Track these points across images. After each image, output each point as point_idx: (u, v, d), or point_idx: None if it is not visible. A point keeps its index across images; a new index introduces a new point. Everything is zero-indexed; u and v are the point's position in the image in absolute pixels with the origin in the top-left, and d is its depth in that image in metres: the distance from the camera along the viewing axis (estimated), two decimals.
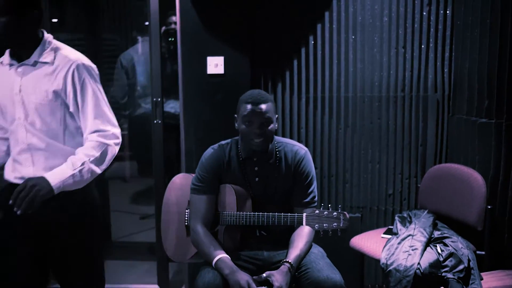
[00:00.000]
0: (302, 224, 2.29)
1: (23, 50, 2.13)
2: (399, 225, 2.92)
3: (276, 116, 2.43)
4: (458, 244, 2.71)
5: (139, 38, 4.70)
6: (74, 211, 2.16)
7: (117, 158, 5.58)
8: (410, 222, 2.92)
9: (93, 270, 2.28)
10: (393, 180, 3.37)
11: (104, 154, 2.12)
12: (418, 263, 2.59)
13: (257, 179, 2.47)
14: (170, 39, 4.11)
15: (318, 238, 2.32)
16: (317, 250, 2.46)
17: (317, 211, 2.27)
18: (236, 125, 2.44)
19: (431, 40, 3.25)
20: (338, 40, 3.28)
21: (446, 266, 2.61)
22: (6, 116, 2.19)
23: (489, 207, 2.78)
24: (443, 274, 2.59)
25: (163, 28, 4.62)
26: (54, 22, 4.83)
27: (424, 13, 3.23)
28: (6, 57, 2.18)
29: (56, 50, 2.14)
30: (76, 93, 2.10)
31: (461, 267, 2.60)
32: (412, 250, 2.68)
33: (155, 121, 3.34)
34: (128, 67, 4.48)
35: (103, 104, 2.15)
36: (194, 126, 3.24)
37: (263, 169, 2.46)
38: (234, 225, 2.42)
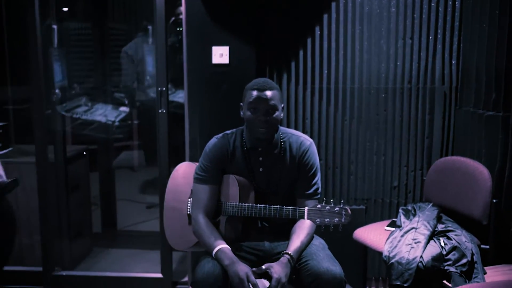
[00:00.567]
0: (303, 218, 2.28)
1: None
2: (402, 218, 2.90)
3: (282, 105, 2.42)
4: (461, 237, 2.69)
5: (150, 28, 4.70)
6: None
7: (126, 148, 5.66)
8: (414, 215, 2.90)
9: None
10: (398, 173, 3.35)
11: None
12: (421, 256, 2.58)
13: (261, 169, 2.46)
14: (178, 29, 4.10)
15: (319, 229, 2.31)
16: (318, 242, 2.45)
17: (319, 206, 2.26)
18: (241, 113, 2.43)
19: (439, 31, 3.21)
20: (345, 30, 3.25)
21: (449, 259, 2.59)
22: None
23: (494, 201, 2.76)
24: (446, 267, 2.58)
25: (172, 18, 4.61)
26: (65, 11, 4.85)
27: (432, 4, 3.20)
28: None
29: None
30: None
31: (464, 261, 2.58)
32: (415, 243, 2.66)
33: (160, 111, 3.33)
34: (134, 56, 4.48)
35: None
36: (198, 115, 3.23)
37: (267, 160, 2.45)
38: (236, 215, 2.41)
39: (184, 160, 3.38)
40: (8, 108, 4.24)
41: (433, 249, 2.63)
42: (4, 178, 2.53)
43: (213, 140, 2.51)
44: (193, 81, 3.24)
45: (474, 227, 2.84)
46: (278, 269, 2.21)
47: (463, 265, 2.57)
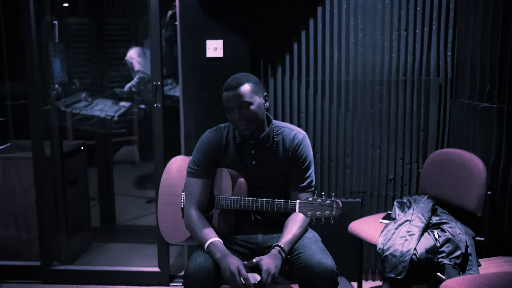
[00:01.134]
0: (295, 211, 2.28)
1: None
2: (397, 210, 2.90)
3: (265, 94, 2.39)
4: (456, 230, 2.69)
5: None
6: None
7: (126, 143, 5.67)
8: (409, 207, 2.89)
9: None
10: (394, 165, 3.34)
11: None
12: (415, 249, 2.58)
13: (253, 162, 2.45)
14: (176, 23, 4.09)
15: (318, 223, 2.31)
16: (311, 234, 2.45)
17: (310, 199, 2.25)
18: None
19: (434, 23, 3.19)
20: (339, 23, 3.23)
21: (442, 252, 2.59)
22: None
23: (489, 192, 2.76)
24: (440, 259, 2.57)
25: (169, 12, 4.61)
26: (65, 6, 4.86)
27: None
28: None
29: None
30: None
31: (458, 253, 2.58)
32: (409, 235, 2.66)
33: (156, 105, 3.33)
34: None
35: None
36: (193, 109, 3.23)
37: (260, 153, 2.45)
38: (229, 209, 2.41)
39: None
40: (7, 103, 4.26)
41: (427, 241, 2.62)
42: None
43: (206, 134, 2.50)
44: (187, 75, 3.24)
45: (469, 219, 2.84)
46: (267, 261, 2.21)
47: (457, 257, 2.57)
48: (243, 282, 2.16)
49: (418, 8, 3.18)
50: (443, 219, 2.78)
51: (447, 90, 3.24)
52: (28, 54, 3.35)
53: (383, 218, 3.00)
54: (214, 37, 3.15)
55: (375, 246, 2.76)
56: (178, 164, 2.71)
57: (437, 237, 2.64)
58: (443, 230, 2.68)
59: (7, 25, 4.26)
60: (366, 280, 3.45)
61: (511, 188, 2.76)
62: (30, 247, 3.62)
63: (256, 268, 2.23)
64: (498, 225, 2.82)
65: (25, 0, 3.30)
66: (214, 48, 3.16)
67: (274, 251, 2.26)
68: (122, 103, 5.03)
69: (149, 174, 5.34)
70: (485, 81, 2.87)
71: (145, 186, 5.34)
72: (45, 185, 3.49)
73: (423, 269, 2.59)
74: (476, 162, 2.80)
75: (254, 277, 2.20)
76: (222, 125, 2.52)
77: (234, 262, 2.20)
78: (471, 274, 2.52)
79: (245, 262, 2.24)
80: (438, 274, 2.56)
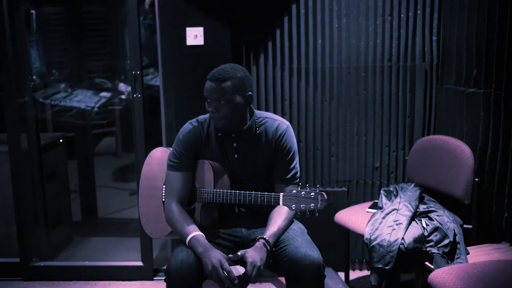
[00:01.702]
0: (278, 204, 2.22)
1: None
2: (384, 199, 2.85)
3: (249, 93, 2.30)
4: (444, 218, 2.65)
5: None
6: None
7: (107, 134, 5.59)
8: (396, 196, 2.85)
9: None
10: (380, 153, 3.29)
11: None
12: (402, 238, 2.54)
13: (236, 155, 2.39)
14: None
15: (298, 215, 2.25)
16: (296, 226, 2.39)
17: (294, 191, 2.19)
18: None
19: (418, 7, 3.13)
20: (322, 8, 3.16)
21: (430, 241, 2.55)
22: None
23: (476, 179, 2.72)
24: (428, 249, 2.54)
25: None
26: None
27: None
28: None
29: None
30: None
31: (446, 241, 2.54)
32: (397, 224, 2.62)
33: (135, 95, 3.24)
34: None
35: None
36: (174, 99, 3.16)
37: (242, 145, 2.38)
38: (211, 202, 2.34)
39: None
40: None
41: (415, 230, 2.58)
42: None
43: (186, 126, 2.43)
44: (167, 64, 3.16)
45: (456, 207, 2.81)
46: (252, 253, 2.15)
47: (445, 245, 2.53)
48: (226, 275, 2.09)
49: None
50: (430, 207, 2.74)
51: (433, 75, 3.19)
52: (1, 45, 3.23)
53: (370, 207, 2.95)
54: (194, 24, 3.07)
55: (362, 236, 2.71)
56: (159, 156, 2.63)
57: (425, 225, 2.60)
58: (430, 219, 2.64)
59: None
60: (353, 270, 3.42)
61: (499, 174, 2.73)
62: (8, 243, 3.53)
63: (241, 261, 2.17)
64: (486, 213, 2.79)
65: None
66: (195, 36, 3.08)
67: (259, 243, 2.21)
68: (103, 94, 4.95)
69: (131, 165, 5.26)
70: (471, 66, 2.83)
71: (127, 177, 5.27)
72: (22, 179, 3.39)
73: (411, 258, 2.55)
74: (463, 149, 2.76)
75: (238, 270, 2.14)
76: (202, 116, 2.44)
77: (216, 256, 2.14)
78: (459, 262, 2.49)
79: (230, 255, 2.18)
80: (427, 263, 2.52)
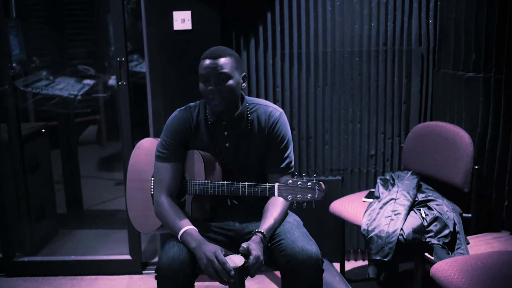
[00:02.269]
0: (274, 195, 2.12)
1: None
2: (381, 188, 2.77)
3: (244, 74, 2.23)
4: (443, 207, 2.57)
5: None
6: None
7: (92, 122, 5.46)
8: (393, 185, 2.77)
9: None
10: (375, 140, 3.21)
11: None
12: (401, 229, 2.45)
13: (227, 144, 2.28)
14: None
15: (294, 207, 2.15)
16: (292, 219, 2.29)
17: (290, 181, 2.09)
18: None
19: None
20: None
21: (430, 231, 2.48)
22: None
23: (476, 167, 2.65)
24: (428, 239, 2.46)
25: None
26: None
27: None
28: None
29: None
30: None
31: (446, 231, 2.47)
32: (395, 215, 2.53)
33: (120, 83, 3.11)
34: None
35: None
36: (161, 86, 3.04)
37: (233, 134, 2.27)
38: (202, 194, 2.24)
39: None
40: None
41: (414, 220, 2.50)
42: None
43: (175, 114, 2.31)
44: (153, 50, 3.04)
45: (455, 195, 2.74)
46: (254, 246, 2.05)
47: (445, 236, 2.46)
48: (221, 267, 1.99)
49: None
50: (429, 196, 2.66)
51: (429, 60, 3.11)
52: None
53: (366, 197, 2.86)
54: (182, 8, 2.94)
55: (356, 225, 2.65)
56: (146, 147, 2.51)
57: (424, 215, 2.52)
58: (430, 208, 2.56)
59: None
60: (348, 260, 3.34)
61: (499, 161, 2.66)
62: None
63: (241, 254, 2.06)
64: (486, 201, 2.72)
65: None
66: (182, 20, 2.95)
67: (256, 238, 2.10)
68: (86, 81, 4.83)
69: (117, 154, 5.14)
70: (470, 50, 2.75)
71: (113, 167, 5.14)
72: (3, 172, 3.28)
73: (410, 250, 2.47)
74: (462, 135, 2.69)
75: (234, 261, 2.02)
76: (191, 104, 2.33)
77: (210, 249, 2.04)
78: (460, 253, 2.42)
79: (241, 249, 2.04)
80: (426, 254, 2.44)
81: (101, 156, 5.42)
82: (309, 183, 2.07)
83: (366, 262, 3.31)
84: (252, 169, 2.31)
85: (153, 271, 2.15)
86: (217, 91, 2.13)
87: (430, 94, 3.14)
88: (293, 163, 2.33)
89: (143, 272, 3.30)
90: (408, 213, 2.54)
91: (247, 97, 2.30)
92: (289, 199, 2.10)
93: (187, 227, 2.15)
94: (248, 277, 2.07)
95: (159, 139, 2.34)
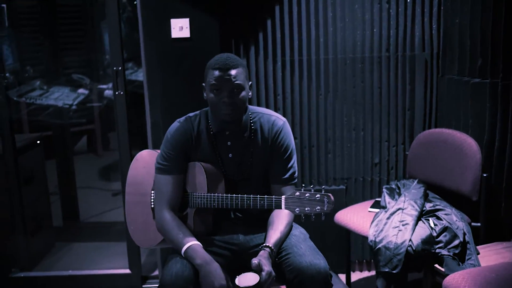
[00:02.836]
0: (280, 208, 2.04)
1: None
2: (387, 198, 2.70)
3: (250, 83, 2.19)
4: (452, 216, 2.51)
5: None
6: None
7: (87, 132, 5.40)
8: (399, 194, 2.71)
9: None
10: (379, 148, 3.15)
11: None
12: (410, 240, 2.38)
13: (230, 155, 2.22)
14: (135, 2, 3.81)
15: (302, 220, 2.08)
16: (298, 231, 2.23)
17: (297, 193, 2.02)
18: (204, 95, 2.17)
19: None
20: None
21: (440, 241, 2.41)
22: None
23: (484, 175, 2.58)
24: (437, 250, 2.39)
25: None
26: None
27: None
28: None
29: None
30: None
31: (456, 242, 2.40)
32: (403, 225, 2.47)
33: (117, 93, 3.04)
34: None
35: None
36: (159, 96, 2.97)
37: (236, 144, 2.21)
38: (205, 207, 2.17)
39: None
40: None
41: (422, 231, 2.44)
42: None
43: (175, 125, 2.25)
44: (151, 59, 2.97)
45: (463, 204, 2.68)
46: (265, 262, 1.99)
47: (456, 246, 2.39)
48: None
49: None
50: (437, 205, 2.60)
51: (433, 65, 3.05)
52: None
53: (372, 207, 2.80)
54: (180, 15, 2.88)
55: (363, 236, 2.57)
56: (145, 159, 2.44)
57: (432, 225, 2.46)
58: (438, 218, 2.50)
59: None
60: (353, 271, 3.26)
61: (508, 169, 2.60)
62: None
63: (249, 269, 1.99)
64: (495, 209, 2.66)
65: None
66: (180, 28, 2.88)
67: (264, 253, 2.03)
68: (81, 90, 4.77)
69: (113, 164, 5.07)
70: (475, 54, 2.69)
71: (110, 177, 5.07)
72: None
73: (420, 261, 2.41)
74: (469, 142, 2.63)
75: (248, 281, 1.95)
76: (191, 114, 2.27)
77: (217, 279, 1.97)
78: (471, 264, 2.35)
79: (254, 262, 1.96)
80: (436, 266, 2.37)
81: (97, 166, 5.35)
82: (318, 195, 2.01)
83: (372, 273, 3.24)
84: (256, 180, 2.25)
85: (153, 285, 2.09)
86: (230, 104, 2.07)
87: (434, 100, 3.09)
88: (296, 173, 2.27)
89: (143, 286, 3.21)
90: (416, 223, 2.47)
91: (249, 106, 2.24)
92: (297, 212, 2.03)
93: (191, 242, 2.08)
94: None
95: (159, 151, 2.27)
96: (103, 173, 5.21)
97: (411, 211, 2.52)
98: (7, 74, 4.00)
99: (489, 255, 2.43)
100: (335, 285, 2.83)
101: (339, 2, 2.99)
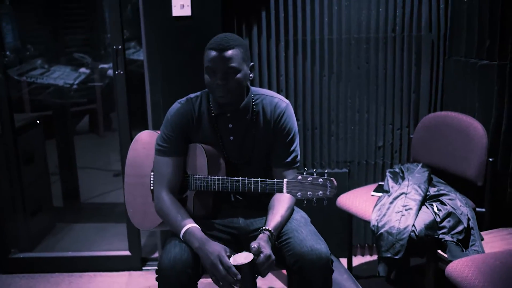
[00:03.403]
0: (282, 192, 2.00)
1: None
2: (390, 182, 2.66)
3: (252, 63, 2.13)
4: (456, 202, 2.46)
5: None
6: None
7: (89, 112, 5.36)
8: (403, 178, 2.66)
9: None
10: (383, 131, 3.11)
11: None
12: (413, 225, 2.35)
13: (231, 137, 2.18)
14: None
15: (304, 204, 2.04)
16: (299, 215, 2.19)
17: (299, 177, 1.97)
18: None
19: None
20: None
21: (443, 227, 2.37)
22: None
23: (490, 159, 2.54)
24: (441, 236, 2.35)
25: None
26: None
27: None
28: None
29: None
30: None
31: (460, 228, 2.36)
32: (406, 210, 2.43)
33: (117, 72, 2.99)
34: None
35: None
36: (160, 75, 2.92)
37: (238, 126, 2.17)
38: (205, 190, 2.13)
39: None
40: None
41: (426, 216, 2.39)
42: None
43: (176, 106, 2.20)
44: (151, 38, 2.91)
45: (467, 189, 2.64)
46: (264, 245, 1.95)
47: (459, 232, 2.35)
48: (225, 272, 1.88)
49: None
50: (441, 190, 2.55)
51: (440, 47, 3.00)
52: None
53: (375, 191, 2.76)
54: None
55: (365, 221, 2.54)
56: (145, 140, 2.40)
57: (436, 210, 2.41)
58: (442, 203, 2.45)
59: None
60: (355, 255, 3.24)
61: None
62: None
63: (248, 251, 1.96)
64: (500, 195, 2.62)
65: None
66: (181, 6, 2.82)
67: (264, 236, 1.99)
68: (82, 70, 4.72)
69: (115, 145, 5.03)
70: (484, 36, 2.63)
71: (111, 157, 5.03)
72: None
73: (423, 247, 2.37)
74: (476, 126, 2.58)
75: (241, 259, 1.91)
76: (192, 95, 2.22)
77: (213, 251, 1.93)
78: (475, 250, 2.31)
79: (254, 246, 1.92)
80: (439, 251, 2.34)
81: (99, 146, 5.32)
82: (320, 180, 1.96)
83: (373, 258, 3.22)
84: (257, 164, 2.21)
85: (153, 267, 2.06)
86: (223, 86, 2.02)
87: (440, 83, 3.04)
88: (299, 157, 2.23)
89: (143, 268, 3.20)
90: (419, 208, 2.43)
91: (252, 88, 2.19)
92: (299, 196, 1.99)
93: (189, 225, 2.05)
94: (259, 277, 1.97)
95: (159, 132, 2.23)
96: (105, 154, 5.17)
97: (415, 196, 2.48)
98: (7, 53, 3.95)
99: (494, 241, 2.39)
100: (336, 270, 2.80)
101: None
